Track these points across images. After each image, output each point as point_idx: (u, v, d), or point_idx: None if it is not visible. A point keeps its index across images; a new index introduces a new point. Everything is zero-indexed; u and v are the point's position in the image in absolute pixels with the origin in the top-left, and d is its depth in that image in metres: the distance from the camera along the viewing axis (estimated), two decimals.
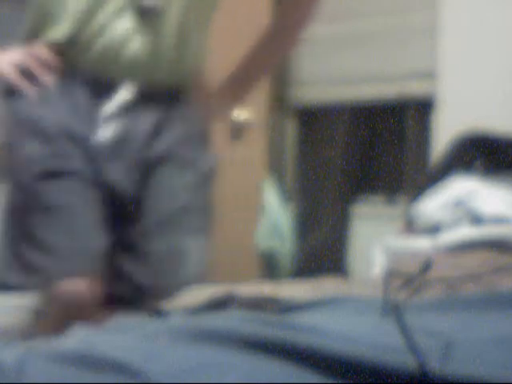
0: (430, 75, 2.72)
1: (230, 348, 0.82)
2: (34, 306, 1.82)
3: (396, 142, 3.04)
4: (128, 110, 1.44)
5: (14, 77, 1.44)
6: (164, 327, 0.93)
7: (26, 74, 1.43)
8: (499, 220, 1.69)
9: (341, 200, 3.12)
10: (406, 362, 0.75)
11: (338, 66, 3.10)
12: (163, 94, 1.48)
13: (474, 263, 1.38)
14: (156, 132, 1.47)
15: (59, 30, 1.44)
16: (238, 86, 1.62)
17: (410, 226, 1.99)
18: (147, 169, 1.47)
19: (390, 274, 1.19)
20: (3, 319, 2.71)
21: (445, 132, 2.51)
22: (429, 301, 1.09)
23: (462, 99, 2.57)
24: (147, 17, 1.43)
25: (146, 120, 1.46)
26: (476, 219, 1.72)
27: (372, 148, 3.12)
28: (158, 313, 1.18)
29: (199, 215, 1.52)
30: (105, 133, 1.42)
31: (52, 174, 1.41)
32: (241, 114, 2.49)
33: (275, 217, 2.97)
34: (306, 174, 3.26)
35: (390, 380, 0.75)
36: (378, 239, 2.01)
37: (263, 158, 2.84)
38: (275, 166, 3.13)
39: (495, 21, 2.53)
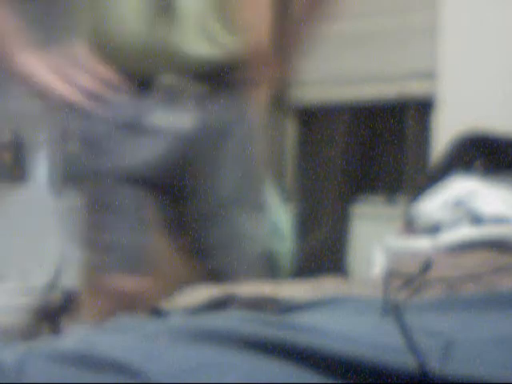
0: (429, 75, 2.72)
1: (230, 348, 0.82)
2: (33, 306, 1.83)
3: (396, 142, 3.04)
4: (174, 98, 1.52)
5: (75, 97, 1.52)
6: (164, 327, 0.93)
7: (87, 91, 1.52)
8: (499, 220, 1.69)
9: (341, 200, 3.12)
10: (406, 361, 0.75)
11: (338, 66, 3.10)
12: (203, 78, 1.53)
13: (474, 263, 1.37)
14: (199, 117, 1.54)
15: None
16: (282, 55, 1.69)
17: (410, 226, 1.99)
18: (200, 153, 1.54)
19: (390, 274, 1.19)
20: (3, 319, 2.70)
21: (445, 132, 2.51)
22: (429, 301, 1.09)
23: (462, 99, 2.57)
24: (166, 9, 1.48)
25: (189, 106, 1.53)
26: (476, 219, 1.71)
27: (372, 148, 3.12)
28: (158, 313, 1.18)
29: (250, 193, 1.60)
30: (157, 122, 1.52)
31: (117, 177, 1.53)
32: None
33: (275, 217, 2.96)
34: (305, 173, 3.26)
35: (390, 380, 0.75)
36: (377, 239, 2.00)
37: (263, 157, 2.84)
38: (275, 166, 3.13)
39: (495, 21, 2.53)
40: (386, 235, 2.03)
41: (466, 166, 2.11)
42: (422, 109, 2.85)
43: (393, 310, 0.91)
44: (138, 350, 0.83)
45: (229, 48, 1.56)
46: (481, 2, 2.57)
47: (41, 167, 3.67)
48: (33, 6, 3.89)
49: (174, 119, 1.53)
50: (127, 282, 1.52)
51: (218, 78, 1.55)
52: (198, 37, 1.51)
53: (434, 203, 1.90)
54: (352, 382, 0.76)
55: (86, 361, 0.81)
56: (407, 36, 2.86)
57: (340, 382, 0.76)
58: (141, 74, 1.53)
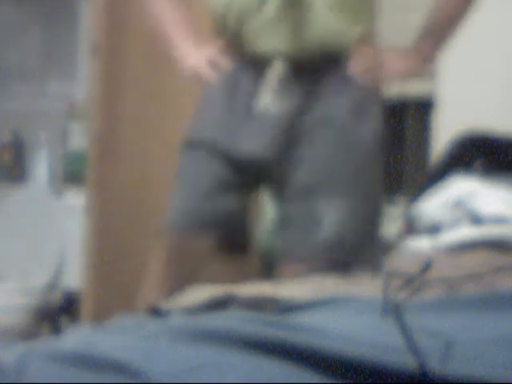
0: (429, 75, 2.72)
1: (230, 348, 0.82)
2: (33, 306, 1.85)
3: (396, 141, 3.03)
4: (283, 84, 1.61)
5: (204, 70, 1.70)
6: (164, 327, 0.93)
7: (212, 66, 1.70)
8: (499, 220, 1.69)
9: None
10: (406, 362, 0.75)
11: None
12: (316, 65, 1.62)
13: (474, 263, 1.37)
14: (308, 103, 1.62)
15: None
16: (429, 44, 1.76)
17: (410, 226, 1.99)
18: (296, 139, 1.62)
19: (390, 274, 1.19)
20: (3, 319, 2.70)
21: (445, 132, 2.51)
22: (429, 301, 1.09)
23: (462, 99, 2.57)
24: None
25: (299, 92, 1.61)
26: (476, 219, 1.71)
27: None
28: (158, 313, 1.18)
29: (342, 181, 1.64)
30: (263, 105, 1.63)
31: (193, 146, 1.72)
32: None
33: (276, 217, 2.96)
34: None
35: (390, 380, 0.75)
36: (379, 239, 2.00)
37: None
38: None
39: (495, 21, 2.53)
40: (386, 235, 2.03)
41: (465, 166, 2.11)
42: (421, 109, 2.85)
43: (393, 310, 0.91)
44: (138, 350, 0.83)
45: (348, 36, 1.66)
46: (481, 2, 2.57)
47: (41, 167, 3.67)
48: (33, 5, 3.89)
49: (282, 104, 1.62)
50: (193, 239, 1.65)
51: (328, 66, 1.64)
52: (326, 19, 1.61)
53: (434, 203, 1.90)
54: (352, 382, 0.75)
55: (86, 361, 0.81)
56: (407, 36, 2.85)
57: (340, 382, 0.76)
58: (260, 59, 1.64)
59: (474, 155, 2.16)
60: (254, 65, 1.65)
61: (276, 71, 1.62)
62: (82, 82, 3.62)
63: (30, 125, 3.76)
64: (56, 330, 3.00)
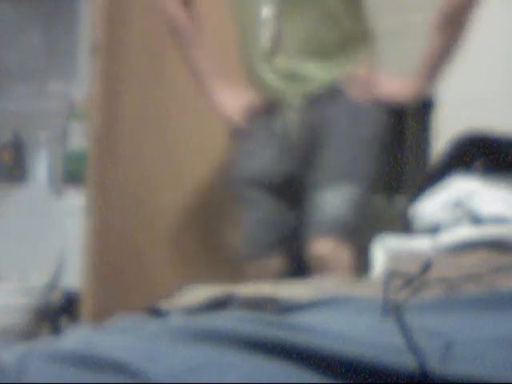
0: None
1: (230, 348, 0.82)
2: (33, 306, 1.85)
3: (396, 141, 3.03)
4: (302, 110, 1.96)
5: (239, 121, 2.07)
6: (164, 327, 0.93)
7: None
8: (499, 220, 1.69)
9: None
10: (406, 362, 0.75)
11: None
12: (328, 93, 1.97)
13: (473, 263, 1.37)
14: (322, 123, 1.94)
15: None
16: (427, 71, 2.02)
17: (410, 227, 1.99)
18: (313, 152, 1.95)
19: (390, 274, 1.19)
20: (3, 319, 2.70)
21: (445, 132, 2.51)
22: (429, 301, 1.09)
23: (462, 99, 2.57)
24: None
25: (316, 115, 1.95)
26: (476, 219, 1.71)
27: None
28: (158, 313, 1.18)
29: (350, 163, 1.95)
30: (285, 127, 1.97)
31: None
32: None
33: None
34: None
35: (390, 380, 0.75)
36: (378, 239, 2.00)
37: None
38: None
39: (495, 21, 2.53)
40: (386, 235, 2.03)
41: (465, 166, 2.11)
42: (421, 109, 2.85)
43: (393, 310, 0.91)
44: (138, 350, 0.83)
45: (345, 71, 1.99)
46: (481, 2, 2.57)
47: (41, 167, 3.67)
48: (33, 5, 3.89)
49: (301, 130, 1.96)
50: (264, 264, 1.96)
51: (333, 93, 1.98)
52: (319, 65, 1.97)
53: (434, 203, 1.90)
54: (352, 382, 0.75)
55: (86, 361, 0.81)
56: (407, 36, 2.86)
57: (340, 382, 0.76)
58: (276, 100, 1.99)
59: (474, 155, 2.16)
60: (275, 105, 1.99)
61: (293, 111, 1.97)
62: (81, 82, 3.62)
63: (30, 125, 3.75)
64: (56, 330, 2.99)
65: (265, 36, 1.94)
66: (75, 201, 3.16)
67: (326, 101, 1.99)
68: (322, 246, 1.87)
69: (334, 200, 1.90)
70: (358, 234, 1.93)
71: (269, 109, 2.00)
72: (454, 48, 2.00)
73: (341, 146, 1.95)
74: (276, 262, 1.96)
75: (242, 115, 2.03)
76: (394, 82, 2.06)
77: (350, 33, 2.00)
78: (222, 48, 2.21)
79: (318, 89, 1.98)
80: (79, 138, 3.55)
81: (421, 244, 1.71)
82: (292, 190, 2.00)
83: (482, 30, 2.53)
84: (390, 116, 2.04)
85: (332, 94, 1.98)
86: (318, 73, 1.97)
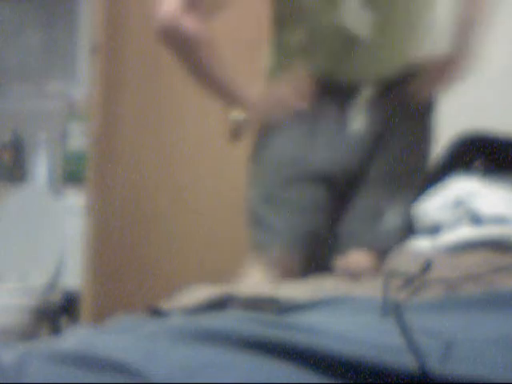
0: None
1: (230, 348, 0.82)
2: (33, 306, 1.85)
3: None
4: (368, 105, 1.76)
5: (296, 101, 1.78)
6: (164, 327, 0.93)
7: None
8: (499, 220, 1.69)
9: None
10: (406, 362, 0.75)
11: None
12: (395, 84, 1.78)
13: (473, 263, 1.37)
14: (384, 126, 1.79)
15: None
16: (451, 63, 1.90)
17: (410, 227, 1.99)
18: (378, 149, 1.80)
19: (390, 274, 1.19)
20: (3, 319, 2.70)
21: (445, 132, 2.51)
22: (429, 301, 1.09)
23: (462, 99, 2.56)
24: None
25: (380, 116, 1.78)
26: (476, 219, 1.71)
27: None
28: (158, 313, 1.18)
29: (401, 183, 1.85)
30: (354, 126, 1.77)
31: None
32: (241, 113, 2.49)
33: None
34: None
35: (390, 380, 0.75)
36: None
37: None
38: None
39: (495, 21, 2.52)
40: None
41: (465, 166, 2.11)
42: (421, 109, 2.84)
43: (393, 310, 0.91)
44: (138, 350, 0.83)
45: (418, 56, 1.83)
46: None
47: (40, 167, 3.67)
48: (33, 5, 3.89)
49: (360, 122, 1.78)
50: (286, 259, 1.77)
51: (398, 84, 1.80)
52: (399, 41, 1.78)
53: (434, 203, 1.90)
54: (352, 382, 0.75)
55: (85, 361, 0.81)
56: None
57: (340, 382, 0.76)
58: (338, 85, 1.76)
59: (474, 155, 2.16)
60: (339, 92, 1.77)
61: (364, 97, 1.77)
62: (81, 82, 3.62)
63: (30, 125, 3.76)
64: (56, 330, 2.99)
65: None
66: (75, 201, 3.16)
67: (396, 97, 1.82)
68: (361, 259, 1.79)
69: (390, 216, 1.83)
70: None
71: (327, 93, 1.77)
72: (482, 17, 1.92)
73: (401, 153, 1.85)
74: (299, 261, 1.81)
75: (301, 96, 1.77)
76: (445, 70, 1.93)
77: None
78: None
79: (394, 71, 1.79)
80: (79, 138, 3.55)
81: (421, 244, 1.71)
82: (347, 189, 1.85)
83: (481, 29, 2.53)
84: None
85: (402, 82, 1.80)
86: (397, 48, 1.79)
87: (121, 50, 2.72)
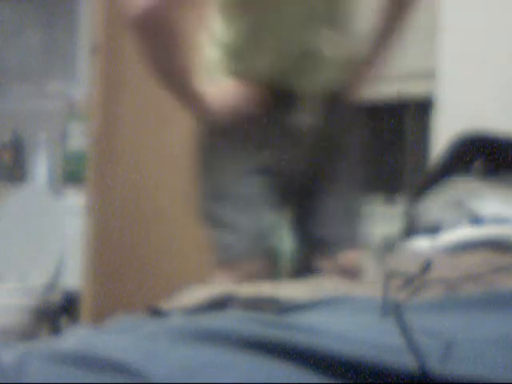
0: (429, 75, 2.72)
1: (230, 348, 0.82)
2: (33, 306, 1.85)
3: (396, 141, 3.04)
4: (314, 110, 1.78)
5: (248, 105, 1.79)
6: (164, 327, 0.93)
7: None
8: (499, 220, 1.69)
9: None
10: (406, 362, 0.75)
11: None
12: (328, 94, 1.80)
13: (473, 263, 1.37)
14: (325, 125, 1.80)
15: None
16: (367, 64, 1.90)
17: (411, 227, 1.99)
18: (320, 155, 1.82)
19: (390, 274, 1.19)
20: (3, 319, 2.70)
21: (445, 132, 2.51)
22: (429, 301, 1.09)
23: (462, 99, 2.57)
24: None
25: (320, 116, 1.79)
26: (476, 219, 1.71)
27: (372, 148, 3.11)
28: (158, 313, 1.18)
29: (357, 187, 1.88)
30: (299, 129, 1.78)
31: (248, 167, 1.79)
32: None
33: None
34: None
35: (390, 380, 0.75)
36: (377, 239, 2.00)
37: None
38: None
39: (495, 21, 2.53)
40: (385, 235, 2.03)
41: (465, 166, 2.11)
42: (421, 109, 2.85)
43: (393, 310, 0.91)
44: (138, 350, 0.83)
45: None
46: (481, 2, 2.57)
47: (40, 167, 3.67)
48: (33, 5, 3.89)
49: (305, 122, 1.79)
50: (256, 265, 1.77)
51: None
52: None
53: (434, 203, 1.90)
54: (352, 382, 0.75)
55: (85, 361, 0.81)
56: (407, 36, 2.86)
57: (340, 382, 0.76)
58: (280, 91, 1.78)
59: (474, 155, 2.16)
60: (284, 96, 1.80)
61: (309, 101, 1.79)
62: (81, 82, 3.62)
63: (30, 125, 3.76)
64: (56, 330, 2.99)
65: None
66: (75, 201, 3.16)
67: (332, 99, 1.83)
68: (354, 258, 1.83)
69: (350, 213, 1.86)
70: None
71: (273, 102, 1.80)
72: (397, 27, 1.93)
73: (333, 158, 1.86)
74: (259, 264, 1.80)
75: (240, 107, 1.79)
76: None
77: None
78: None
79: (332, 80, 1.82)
80: (79, 138, 3.55)
81: (421, 244, 1.71)
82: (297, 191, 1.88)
83: (481, 29, 2.53)
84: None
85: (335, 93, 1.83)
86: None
87: (121, 50, 2.72)
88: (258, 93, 1.78)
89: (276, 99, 1.79)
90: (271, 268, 1.80)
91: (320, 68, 1.79)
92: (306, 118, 1.80)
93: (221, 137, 1.83)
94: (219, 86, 1.81)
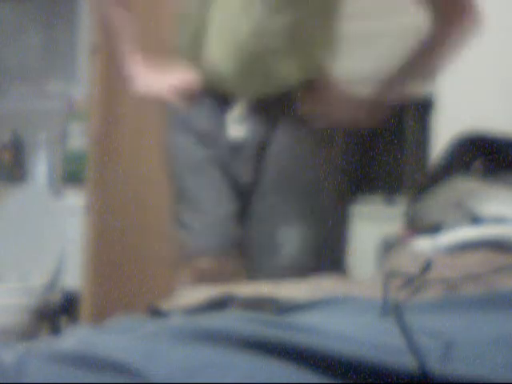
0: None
1: (230, 348, 0.82)
2: (33, 306, 1.86)
3: (396, 142, 3.03)
4: (246, 116, 1.72)
5: (173, 99, 1.78)
6: (164, 327, 0.93)
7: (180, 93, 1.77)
8: (499, 220, 1.69)
9: (341, 200, 3.12)
10: (406, 362, 0.75)
11: (338, 66, 3.10)
12: (274, 102, 1.72)
13: (474, 263, 1.37)
14: (267, 135, 1.73)
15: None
16: (391, 87, 1.86)
17: (410, 227, 1.99)
18: (261, 164, 1.74)
19: (390, 274, 1.19)
20: (3, 319, 2.70)
21: (445, 132, 2.51)
22: (429, 301, 1.09)
23: (462, 99, 2.57)
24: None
25: (261, 124, 1.72)
26: (476, 219, 1.71)
27: (372, 148, 3.11)
28: (158, 313, 1.18)
29: (300, 203, 1.74)
30: (231, 134, 1.73)
31: (196, 166, 1.77)
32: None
33: None
34: None
35: (390, 380, 0.75)
36: (377, 239, 2.00)
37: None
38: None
39: (495, 21, 2.53)
40: (385, 235, 2.03)
41: (465, 166, 2.11)
42: (421, 109, 2.85)
43: (393, 310, 0.91)
44: (138, 350, 0.83)
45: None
46: (481, 3, 2.57)
47: (40, 167, 3.67)
48: (33, 5, 3.89)
49: (248, 133, 1.74)
50: (209, 262, 1.74)
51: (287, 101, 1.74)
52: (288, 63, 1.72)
53: (434, 203, 1.90)
54: (352, 382, 0.75)
55: (85, 361, 0.81)
56: (407, 36, 2.85)
57: (340, 382, 0.76)
58: (224, 93, 1.74)
59: (474, 155, 2.16)
60: (216, 97, 1.76)
61: (237, 108, 1.74)
62: (81, 82, 3.62)
63: (30, 125, 3.76)
64: (56, 330, 2.99)
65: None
66: (75, 201, 3.16)
67: (278, 108, 1.74)
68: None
69: (290, 240, 1.72)
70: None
71: (212, 96, 1.75)
72: (420, 72, 1.86)
73: (290, 177, 1.74)
74: (230, 266, 1.76)
75: (181, 94, 1.77)
76: (348, 108, 1.85)
77: (318, 33, 1.79)
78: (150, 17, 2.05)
79: (277, 90, 1.73)
80: (79, 138, 3.55)
81: (421, 244, 1.71)
82: (241, 192, 1.78)
83: (482, 29, 2.53)
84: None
85: (286, 101, 1.74)
86: (286, 71, 1.72)
87: None
88: (194, 88, 1.76)
89: (213, 99, 1.75)
90: (231, 264, 1.75)
91: (270, 84, 1.72)
92: (240, 126, 1.74)
93: (173, 130, 1.84)
94: (172, 70, 1.79)
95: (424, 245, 1.69)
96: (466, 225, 1.71)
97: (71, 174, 3.55)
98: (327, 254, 1.78)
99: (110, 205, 2.72)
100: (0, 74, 3.90)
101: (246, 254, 1.77)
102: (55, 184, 3.62)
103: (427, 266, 1.21)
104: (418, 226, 1.90)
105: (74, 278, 2.91)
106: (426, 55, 1.81)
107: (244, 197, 1.76)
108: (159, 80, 1.81)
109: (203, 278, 1.72)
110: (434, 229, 1.77)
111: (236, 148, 1.74)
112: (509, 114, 2.42)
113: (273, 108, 1.74)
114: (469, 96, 2.56)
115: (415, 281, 1.17)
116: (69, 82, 3.77)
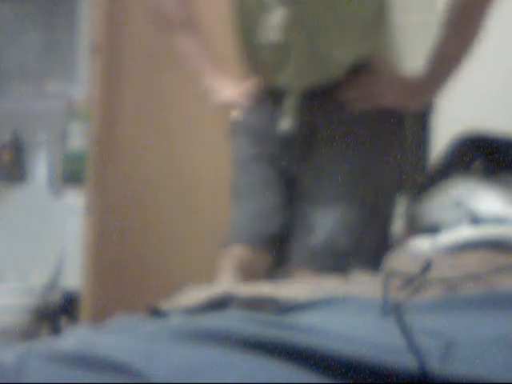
0: None
1: (230, 348, 0.82)
2: (33, 306, 1.86)
3: (396, 142, 3.03)
4: (297, 108, 1.76)
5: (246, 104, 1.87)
6: (164, 327, 0.93)
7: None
8: (499, 220, 1.69)
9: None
10: (405, 362, 0.75)
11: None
12: (324, 93, 1.76)
13: (473, 263, 1.37)
14: (317, 123, 1.77)
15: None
16: (434, 78, 1.89)
17: (410, 227, 1.99)
18: (309, 153, 1.78)
19: (390, 274, 1.19)
20: (3, 319, 2.70)
21: (445, 132, 2.51)
22: (429, 301, 1.09)
23: (462, 99, 2.57)
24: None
25: (311, 115, 1.76)
26: (476, 219, 1.71)
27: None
28: (158, 313, 1.18)
29: (345, 189, 1.76)
30: (281, 126, 1.77)
31: (245, 163, 1.86)
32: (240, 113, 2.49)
33: None
34: None
35: (389, 380, 0.75)
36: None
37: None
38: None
39: (495, 21, 2.53)
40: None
41: (465, 166, 2.11)
42: (421, 109, 2.85)
43: (393, 310, 0.91)
44: (138, 350, 0.83)
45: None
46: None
47: (40, 167, 3.67)
48: (33, 5, 3.89)
49: (298, 126, 1.77)
50: (247, 254, 1.79)
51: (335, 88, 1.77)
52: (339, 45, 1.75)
53: (434, 203, 1.90)
54: (352, 382, 0.75)
55: (86, 361, 0.81)
56: (407, 36, 2.85)
57: (340, 382, 0.76)
58: (276, 89, 1.80)
59: (473, 155, 2.16)
60: (272, 95, 1.81)
61: (290, 101, 1.77)
62: (81, 82, 3.62)
63: (30, 125, 3.76)
64: (56, 330, 2.99)
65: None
66: (75, 201, 3.16)
67: (328, 99, 1.77)
68: (303, 276, 1.71)
69: (325, 222, 1.71)
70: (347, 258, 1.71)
71: (271, 98, 1.82)
72: (466, 48, 1.86)
73: (338, 159, 1.77)
74: (264, 259, 1.80)
75: (243, 102, 1.88)
76: (395, 93, 1.90)
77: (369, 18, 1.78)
78: (218, 38, 2.13)
79: (329, 77, 1.75)
80: (79, 138, 3.55)
81: (421, 244, 1.71)
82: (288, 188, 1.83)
83: (481, 29, 2.53)
84: (390, 124, 1.97)
85: (335, 91, 1.76)
86: (338, 56, 1.75)
87: (121, 49, 2.72)
88: (256, 89, 1.84)
89: (267, 97, 1.82)
90: (263, 259, 1.80)
91: (323, 70, 1.76)
92: (289, 120, 1.78)
93: (234, 128, 1.93)
94: (235, 83, 1.89)
95: (424, 245, 1.69)
96: (465, 225, 1.70)
97: (71, 174, 3.55)
98: (367, 245, 1.75)
99: (110, 205, 2.72)
100: (0, 74, 3.90)
101: (287, 240, 1.80)
102: (55, 184, 3.62)
103: (427, 266, 1.21)
104: (417, 226, 1.90)
105: (74, 278, 2.90)
106: (465, 19, 1.86)
107: (292, 188, 1.81)
108: (233, 89, 1.91)
109: (241, 266, 1.79)
110: (434, 229, 1.77)
111: (286, 140, 1.79)
112: (509, 114, 2.42)
113: (322, 99, 1.77)
114: (469, 96, 2.56)
115: (415, 281, 1.17)
116: (69, 82, 3.77)
